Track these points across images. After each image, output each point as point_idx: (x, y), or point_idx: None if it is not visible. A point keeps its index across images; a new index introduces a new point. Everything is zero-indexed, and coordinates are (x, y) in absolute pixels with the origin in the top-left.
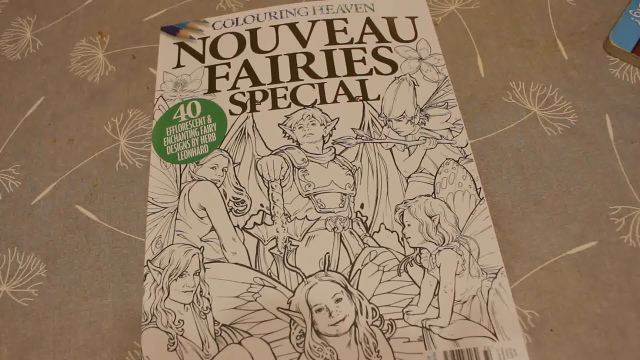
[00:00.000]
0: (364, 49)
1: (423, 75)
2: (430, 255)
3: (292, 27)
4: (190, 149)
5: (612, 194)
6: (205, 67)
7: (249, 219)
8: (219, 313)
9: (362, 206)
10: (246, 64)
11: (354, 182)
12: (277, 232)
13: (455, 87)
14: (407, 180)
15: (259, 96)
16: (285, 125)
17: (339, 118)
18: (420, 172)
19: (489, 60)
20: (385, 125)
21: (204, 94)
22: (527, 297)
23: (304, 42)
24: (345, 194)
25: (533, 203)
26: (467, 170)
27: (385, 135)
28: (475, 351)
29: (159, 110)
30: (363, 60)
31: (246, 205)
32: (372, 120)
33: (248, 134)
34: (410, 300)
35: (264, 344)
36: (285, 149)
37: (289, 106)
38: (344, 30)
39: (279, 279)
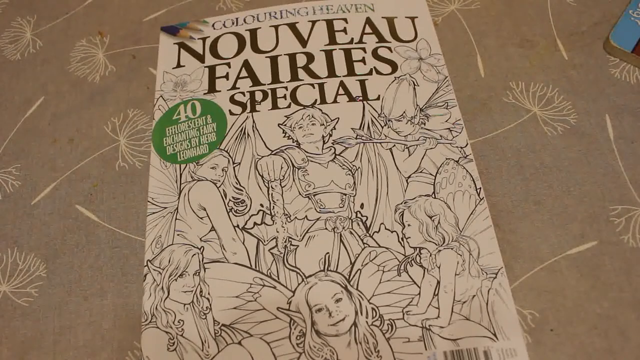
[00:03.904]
0: (364, 49)
1: (423, 75)
2: (430, 255)
3: (292, 27)
4: (190, 149)
5: (612, 194)
6: (205, 67)
7: (249, 219)
8: (219, 313)
9: (362, 206)
10: (246, 64)
11: (354, 182)
12: (277, 232)
13: (455, 87)
14: (407, 180)
15: (259, 96)
16: (285, 125)
17: (339, 118)
18: (420, 172)
19: (489, 60)
20: (385, 125)
21: (204, 94)
22: (527, 297)
23: (304, 42)
24: (345, 194)
25: (533, 203)
26: (467, 170)
27: (385, 135)
28: (475, 351)
29: (159, 110)
30: (363, 60)
31: (246, 205)
32: (372, 120)
33: (248, 134)
34: (410, 300)
35: (264, 344)
36: (285, 149)
37: (289, 106)
38: (344, 30)
39: (279, 279)
